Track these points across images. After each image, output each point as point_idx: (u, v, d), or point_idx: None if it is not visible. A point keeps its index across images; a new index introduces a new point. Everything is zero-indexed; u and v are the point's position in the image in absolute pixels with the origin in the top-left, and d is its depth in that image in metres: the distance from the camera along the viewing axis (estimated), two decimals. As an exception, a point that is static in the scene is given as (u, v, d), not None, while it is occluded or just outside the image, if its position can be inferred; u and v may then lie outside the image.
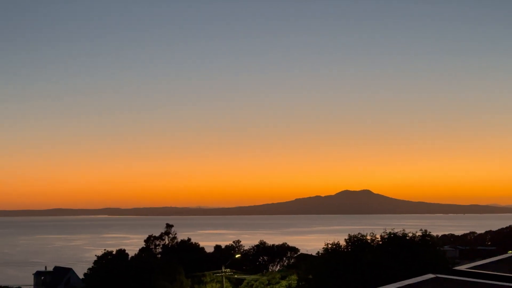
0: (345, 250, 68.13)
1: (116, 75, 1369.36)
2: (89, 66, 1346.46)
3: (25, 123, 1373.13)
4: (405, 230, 67.53)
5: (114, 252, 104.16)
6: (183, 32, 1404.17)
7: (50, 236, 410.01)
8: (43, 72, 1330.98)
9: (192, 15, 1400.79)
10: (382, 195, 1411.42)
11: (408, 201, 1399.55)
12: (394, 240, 65.14)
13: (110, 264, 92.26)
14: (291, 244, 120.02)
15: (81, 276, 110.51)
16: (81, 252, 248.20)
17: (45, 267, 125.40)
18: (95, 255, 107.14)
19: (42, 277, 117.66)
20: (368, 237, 69.70)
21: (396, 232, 66.79)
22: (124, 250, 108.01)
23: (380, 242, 67.38)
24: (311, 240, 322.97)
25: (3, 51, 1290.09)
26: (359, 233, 69.95)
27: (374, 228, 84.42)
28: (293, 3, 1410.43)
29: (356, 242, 68.38)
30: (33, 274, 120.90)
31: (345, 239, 70.03)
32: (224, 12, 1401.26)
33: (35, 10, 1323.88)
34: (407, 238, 65.38)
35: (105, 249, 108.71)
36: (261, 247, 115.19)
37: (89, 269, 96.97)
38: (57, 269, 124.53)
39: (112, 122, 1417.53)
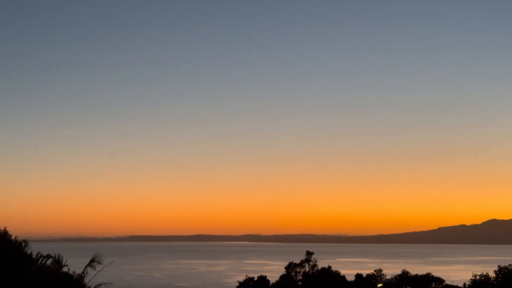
0: (495, 282, 64.68)
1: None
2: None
3: (174, 158, 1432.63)
4: None
5: (255, 278, 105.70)
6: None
7: (194, 261, 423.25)
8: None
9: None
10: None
11: None
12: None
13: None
14: (435, 274, 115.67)
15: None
16: (224, 277, 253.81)
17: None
18: (237, 281, 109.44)
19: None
20: (521, 269, 65.71)
21: (553, 265, 62.50)
22: (265, 276, 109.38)
23: (535, 275, 63.30)
24: (457, 270, 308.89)
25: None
26: (510, 265, 66.15)
27: (527, 259, 79.34)
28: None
29: (507, 274, 64.71)
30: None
31: (494, 271, 66.55)
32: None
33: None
34: None
35: (246, 275, 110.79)
36: (404, 277, 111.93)
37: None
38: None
39: (250, 153, 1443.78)
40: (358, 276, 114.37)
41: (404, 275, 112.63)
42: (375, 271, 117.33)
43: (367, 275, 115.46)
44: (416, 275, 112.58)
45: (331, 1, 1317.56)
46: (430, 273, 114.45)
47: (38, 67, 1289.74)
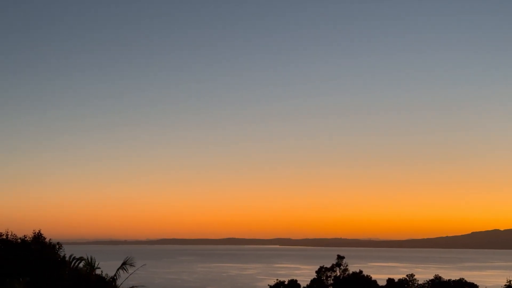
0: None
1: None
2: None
3: (197, 161, 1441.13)
4: None
5: (286, 282, 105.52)
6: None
7: (225, 265, 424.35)
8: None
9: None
10: None
11: None
12: None
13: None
14: (468, 279, 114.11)
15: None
16: (255, 281, 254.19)
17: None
18: (268, 285, 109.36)
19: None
20: (557, 275, 64.64)
21: None
22: (296, 280, 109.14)
23: None
24: (490, 276, 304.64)
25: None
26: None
27: None
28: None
29: (542, 279, 63.67)
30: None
31: (530, 276, 65.50)
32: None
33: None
34: None
35: (277, 279, 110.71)
36: (437, 282, 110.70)
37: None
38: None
39: (280, 156, 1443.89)
40: (390, 280, 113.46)
41: (437, 280, 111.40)
42: (407, 276, 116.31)
43: (399, 280, 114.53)
44: (449, 280, 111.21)
45: (330, 3, 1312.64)
46: (463, 279, 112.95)
47: (68, 68, 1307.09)
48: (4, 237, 46.82)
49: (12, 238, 46.85)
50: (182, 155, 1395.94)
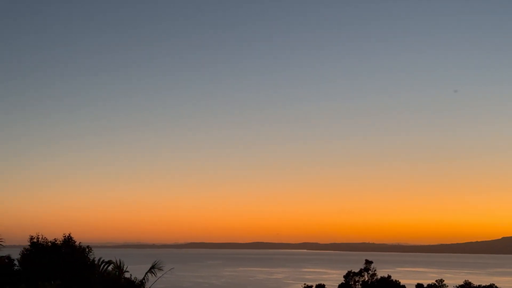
0: None
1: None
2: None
3: (207, 160, 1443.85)
4: None
5: (313, 287, 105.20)
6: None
7: (252, 269, 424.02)
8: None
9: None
10: None
11: None
12: None
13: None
14: (499, 285, 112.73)
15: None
16: (282, 285, 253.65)
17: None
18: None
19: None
20: None
21: None
22: (324, 285, 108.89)
23: None
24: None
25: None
26: None
27: None
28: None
29: None
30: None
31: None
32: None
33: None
34: None
35: (305, 283, 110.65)
36: (467, 287, 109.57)
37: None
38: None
39: (306, 160, 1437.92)
40: (419, 286, 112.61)
41: (467, 285, 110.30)
42: (436, 281, 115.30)
43: (428, 285, 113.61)
44: (479, 286, 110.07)
45: (329, 5, 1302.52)
46: (494, 284, 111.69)
47: (95, 67, 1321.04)
48: (35, 240, 47.56)
49: (43, 242, 47.56)
50: (211, 159, 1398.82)
